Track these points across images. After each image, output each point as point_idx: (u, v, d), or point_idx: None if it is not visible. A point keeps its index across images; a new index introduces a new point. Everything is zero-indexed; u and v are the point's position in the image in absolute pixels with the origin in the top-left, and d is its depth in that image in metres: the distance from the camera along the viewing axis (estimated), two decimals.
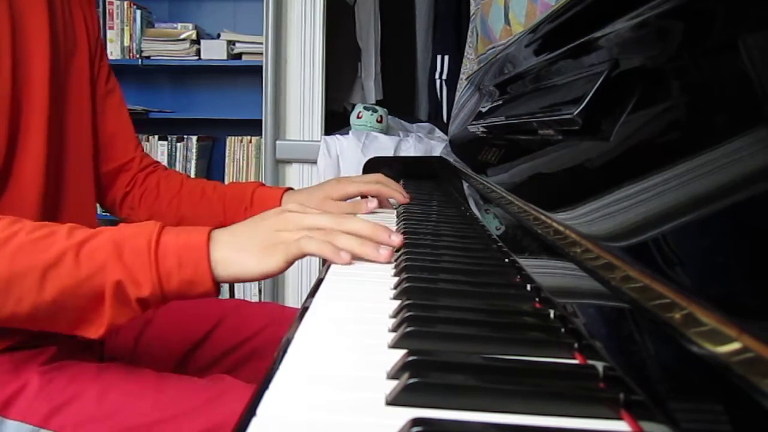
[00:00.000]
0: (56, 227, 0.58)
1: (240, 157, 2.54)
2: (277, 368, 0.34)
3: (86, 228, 0.58)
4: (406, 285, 0.48)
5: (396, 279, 0.52)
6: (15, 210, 0.69)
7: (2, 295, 0.55)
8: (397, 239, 0.61)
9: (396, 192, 0.94)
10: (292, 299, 2.19)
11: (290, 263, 0.59)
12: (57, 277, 0.55)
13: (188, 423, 0.60)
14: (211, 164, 2.72)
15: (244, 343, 0.85)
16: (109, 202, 0.98)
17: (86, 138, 0.86)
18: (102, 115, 0.92)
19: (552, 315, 0.43)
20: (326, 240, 0.58)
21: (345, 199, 0.95)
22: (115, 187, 0.97)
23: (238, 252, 0.58)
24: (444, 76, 2.37)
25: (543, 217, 0.50)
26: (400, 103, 2.54)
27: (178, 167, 2.53)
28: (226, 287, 2.48)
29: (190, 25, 2.48)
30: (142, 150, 1.00)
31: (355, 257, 0.59)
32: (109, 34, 2.49)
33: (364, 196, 0.94)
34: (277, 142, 2.03)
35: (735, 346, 0.23)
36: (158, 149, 2.55)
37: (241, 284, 2.46)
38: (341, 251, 0.58)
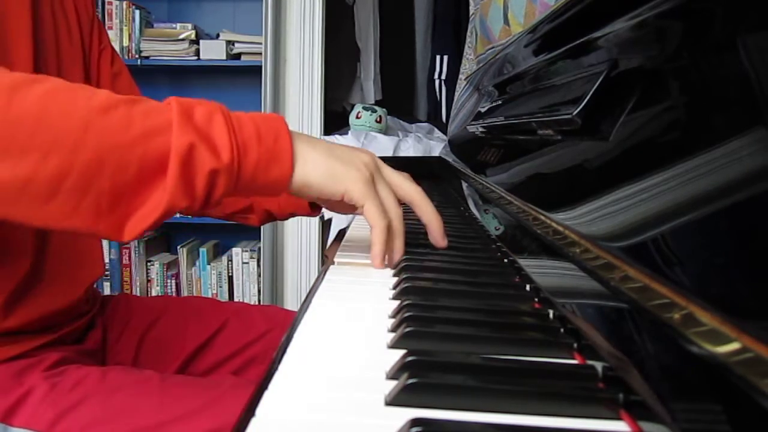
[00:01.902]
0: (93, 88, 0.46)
1: None
2: (276, 369, 0.34)
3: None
4: (406, 285, 0.48)
5: (395, 279, 0.52)
6: None
7: (22, 144, 0.40)
8: (445, 242, 0.60)
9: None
10: (291, 300, 2.19)
11: (360, 209, 0.52)
12: (103, 128, 0.41)
13: (192, 424, 0.60)
14: None
15: (246, 347, 0.85)
16: None
17: None
18: None
19: (551, 315, 0.43)
20: (382, 245, 0.54)
21: None
22: None
23: (328, 156, 0.50)
24: (443, 77, 2.38)
25: (542, 217, 0.50)
26: (400, 103, 2.54)
27: None
28: (225, 288, 2.48)
29: (189, 25, 2.48)
30: None
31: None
32: (108, 34, 2.49)
33: None
34: None
35: (734, 346, 0.23)
36: None
37: (240, 283, 2.46)
38: (382, 257, 0.54)
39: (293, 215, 0.88)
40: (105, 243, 2.20)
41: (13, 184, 0.41)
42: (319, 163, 0.50)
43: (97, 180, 0.42)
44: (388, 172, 0.58)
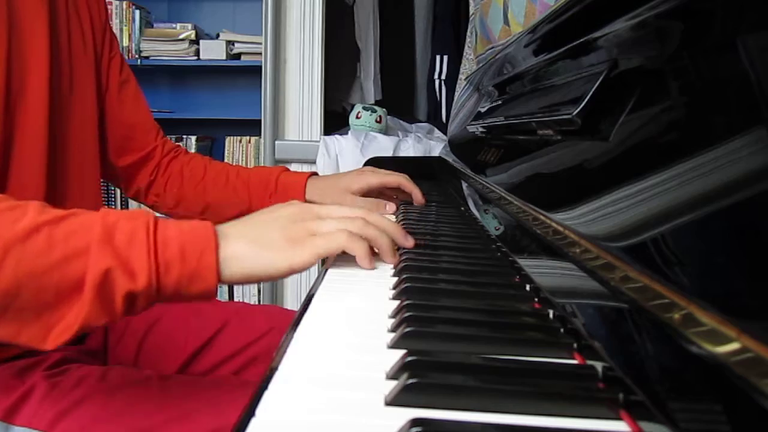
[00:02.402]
0: (23, 201, 0.47)
1: (239, 157, 2.54)
2: (276, 369, 0.34)
3: (60, 209, 0.48)
4: (406, 285, 0.48)
5: (395, 279, 0.52)
6: None
7: None
8: (411, 242, 0.60)
9: (416, 189, 0.94)
10: (291, 300, 2.19)
11: (320, 258, 0.52)
12: (22, 258, 0.43)
13: (193, 424, 0.60)
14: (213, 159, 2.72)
15: (247, 347, 0.85)
16: (134, 191, 0.98)
17: (93, 133, 0.85)
18: (120, 106, 0.91)
19: (551, 315, 0.43)
20: (362, 240, 0.54)
21: (366, 192, 0.94)
22: (140, 176, 0.96)
23: (257, 246, 0.50)
24: (443, 77, 2.38)
25: (542, 217, 0.50)
26: (399, 103, 2.54)
27: None
28: (225, 288, 2.48)
29: (189, 25, 2.48)
30: (163, 135, 0.99)
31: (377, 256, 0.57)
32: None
33: (379, 194, 0.95)
34: (276, 142, 2.03)
35: (734, 346, 0.23)
36: None
37: (241, 284, 2.46)
38: (369, 258, 0.55)
39: None
40: None
41: None
42: (254, 260, 0.50)
43: (15, 301, 0.44)
44: (324, 210, 0.57)
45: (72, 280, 0.44)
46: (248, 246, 0.50)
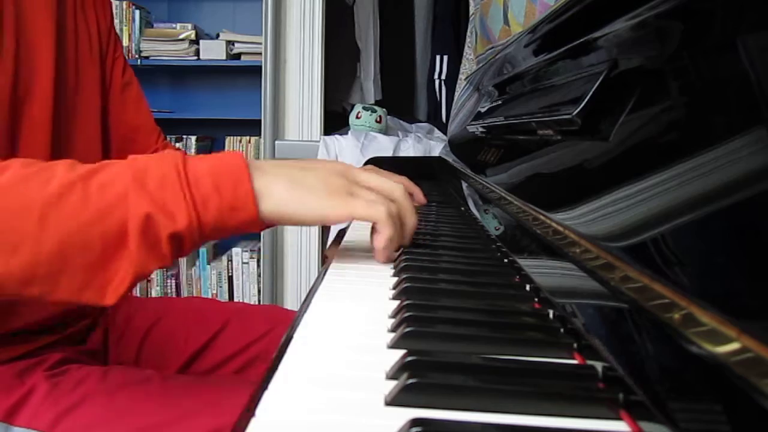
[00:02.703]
0: (50, 162, 0.47)
1: None
2: (276, 369, 0.34)
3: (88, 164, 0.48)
4: (405, 285, 0.48)
5: (395, 279, 0.52)
6: None
7: None
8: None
9: (418, 189, 0.94)
10: (291, 300, 2.19)
11: (354, 219, 0.52)
12: (60, 219, 0.43)
13: (194, 424, 0.60)
14: None
15: (247, 347, 0.85)
16: None
17: (96, 134, 0.85)
18: (122, 108, 0.91)
19: (551, 315, 0.43)
20: (396, 225, 0.53)
21: None
22: None
23: (297, 187, 0.49)
24: (443, 77, 2.38)
25: (542, 217, 0.50)
26: (399, 103, 2.54)
27: None
28: (225, 288, 2.48)
29: (189, 25, 2.48)
30: (164, 138, 0.99)
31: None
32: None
33: None
34: (276, 142, 2.03)
35: (734, 346, 0.23)
36: None
37: (240, 283, 2.46)
38: (392, 248, 0.54)
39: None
40: None
41: None
42: (288, 198, 0.49)
43: (66, 264, 0.44)
44: (364, 176, 0.56)
45: (114, 231, 0.44)
46: (284, 184, 0.49)
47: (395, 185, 0.57)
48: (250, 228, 0.49)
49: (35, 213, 0.43)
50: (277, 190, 0.49)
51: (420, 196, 0.93)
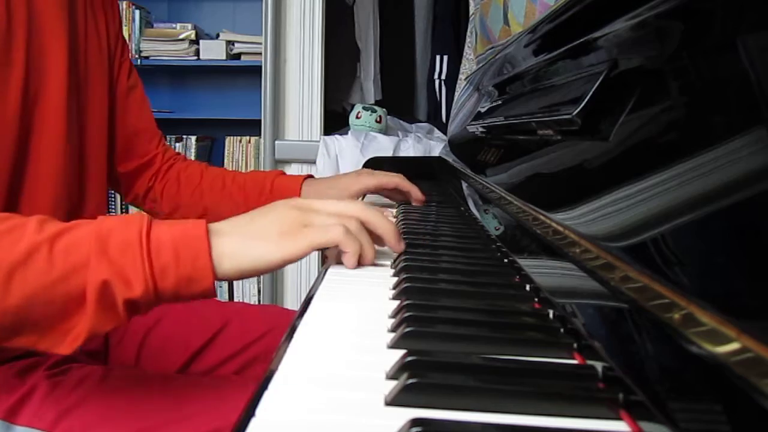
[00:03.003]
0: (23, 219, 0.49)
1: (239, 157, 2.54)
2: (276, 369, 0.34)
3: (58, 221, 0.50)
4: (405, 285, 0.48)
5: (395, 279, 0.52)
6: (33, 208, 0.69)
7: None
8: (402, 246, 0.59)
9: (415, 188, 0.94)
10: (291, 300, 2.19)
11: (314, 249, 0.53)
12: (25, 279, 0.46)
13: (194, 423, 0.60)
14: (210, 164, 2.72)
15: (248, 347, 0.85)
16: (132, 196, 0.98)
17: (103, 137, 0.85)
18: (125, 111, 0.91)
19: (551, 315, 0.43)
20: (356, 240, 0.54)
21: (364, 194, 0.95)
22: (139, 183, 0.96)
23: (250, 240, 0.51)
24: (443, 77, 2.37)
25: (542, 217, 0.50)
26: (399, 103, 2.54)
27: None
28: (225, 288, 2.48)
29: (189, 25, 2.48)
30: (164, 143, 0.99)
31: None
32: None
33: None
34: (276, 142, 2.03)
35: (734, 346, 0.23)
36: None
37: (241, 284, 2.46)
38: (355, 259, 0.55)
39: None
40: None
41: None
42: (245, 254, 0.51)
43: (28, 317, 0.47)
44: (318, 204, 0.57)
45: (74, 293, 0.47)
46: (240, 240, 0.51)
47: (350, 204, 0.58)
48: (204, 297, 0.51)
49: (3, 270, 0.46)
50: (232, 250, 0.50)
51: (417, 194, 0.93)
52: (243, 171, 2.55)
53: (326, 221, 0.54)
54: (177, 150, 2.56)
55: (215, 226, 0.51)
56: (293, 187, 0.93)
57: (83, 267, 0.47)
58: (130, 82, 0.92)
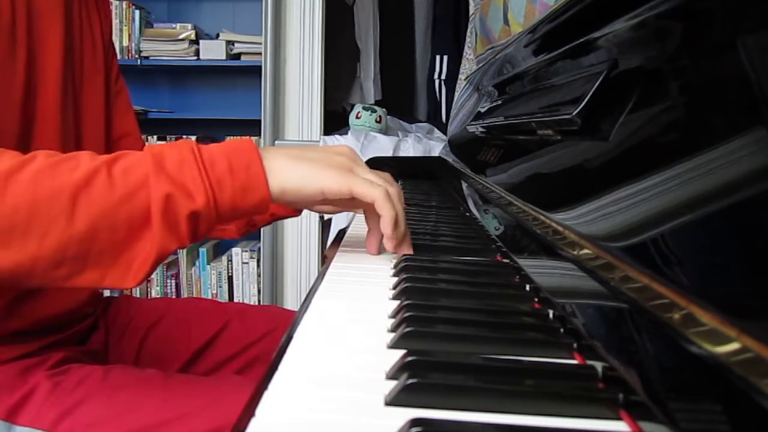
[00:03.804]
0: (76, 153, 0.50)
1: None
2: (276, 369, 0.34)
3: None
4: (405, 285, 0.48)
5: (395, 279, 0.52)
6: None
7: (22, 230, 0.45)
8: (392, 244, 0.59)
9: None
10: (291, 300, 2.19)
11: (351, 194, 0.54)
12: (90, 200, 0.46)
13: (195, 423, 0.60)
14: None
15: (248, 347, 0.85)
16: None
17: (100, 138, 0.85)
18: (110, 116, 0.90)
19: (551, 315, 0.43)
20: (393, 207, 0.55)
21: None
22: None
23: (297, 161, 0.52)
24: (443, 77, 2.38)
25: (542, 217, 0.50)
26: (399, 103, 2.54)
27: None
28: (225, 288, 2.48)
29: (189, 25, 2.48)
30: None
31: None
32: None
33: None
34: (276, 142, 2.03)
35: (734, 346, 0.23)
36: None
37: (240, 283, 2.46)
38: (393, 226, 0.55)
39: (275, 218, 0.89)
40: None
41: (22, 264, 0.46)
42: (290, 171, 0.52)
43: (93, 244, 0.47)
44: (365, 166, 0.59)
45: (139, 211, 0.47)
46: (288, 160, 0.53)
47: (389, 176, 0.60)
48: (259, 211, 0.52)
49: (65, 198, 0.46)
50: (279, 165, 0.52)
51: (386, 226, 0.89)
52: None
53: (371, 177, 0.56)
54: None
55: (265, 147, 0.53)
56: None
57: (144, 185, 0.47)
58: (117, 86, 0.91)
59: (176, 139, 2.55)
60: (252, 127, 2.30)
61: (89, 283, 0.49)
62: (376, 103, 2.36)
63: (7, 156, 0.48)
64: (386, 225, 0.56)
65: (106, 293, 1.01)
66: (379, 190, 0.55)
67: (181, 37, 2.46)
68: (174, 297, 2.48)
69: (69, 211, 0.46)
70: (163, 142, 0.52)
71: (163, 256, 0.49)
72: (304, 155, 0.54)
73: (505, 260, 0.59)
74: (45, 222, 0.46)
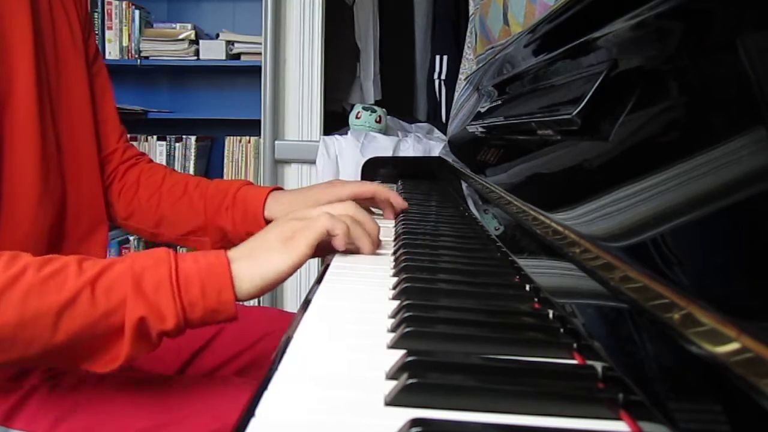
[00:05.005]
0: (64, 261, 0.54)
1: (239, 157, 2.54)
2: (276, 369, 0.34)
3: (96, 259, 0.55)
4: (405, 285, 0.48)
5: (395, 279, 0.52)
6: (12, 212, 0.68)
7: (10, 342, 0.51)
8: (373, 249, 0.64)
9: (394, 194, 0.90)
10: (291, 301, 2.19)
11: (314, 246, 0.58)
12: (72, 318, 0.51)
13: (193, 425, 0.60)
14: (210, 164, 2.72)
15: (247, 348, 0.85)
16: None
17: (86, 127, 0.83)
18: (94, 98, 0.87)
19: (551, 315, 0.43)
20: (342, 223, 0.60)
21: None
22: None
23: (258, 256, 0.56)
24: (443, 77, 2.37)
25: (542, 217, 0.50)
26: (399, 103, 2.54)
27: (177, 167, 2.52)
28: None
29: (189, 25, 2.48)
30: (126, 140, 0.94)
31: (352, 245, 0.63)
32: (108, 34, 2.49)
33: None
34: (276, 142, 2.03)
35: (734, 346, 0.23)
36: (157, 149, 2.55)
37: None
38: (345, 240, 0.60)
39: (249, 234, 0.88)
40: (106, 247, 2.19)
41: (6, 363, 0.54)
42: (252, 272, 0.56)
43: (72, 350, 0.53)
44: (313, 211, 0.63)
45: (114, 328, 0.52)
46: (251, 260, 0.56)
47: (338, 204, 0.66)
48: (228, 321, 0.57)
49: (51, 317, 0.51)
50: (245, 272, 0.55)
51: (397, 200, 0.88)
52: (242, 171, 2.55)
53: (313, 214, 0.60)
54: (177, 151, 2.58)
55: (231, 254, 0.57)
56: (257, 199, 0.87)
57: (121, 305, 0.52)
58: (94, 68, 0.88)
59: (176, 139, 2.55)
60: (252, 127, 2.30)
61: (70, 368, 0.58)
62: (376, 103, 2.36)
63: None
64: (337, 240, 0.60)
65: None
66: (324, 218, 0.59)
67: (181, 37, 2.45)
68: None
69: (53, 328, 0.51)
70: (145, 250, 0.56)
71: (132, 360, 0.54)
72: (262, 246, 0.58)
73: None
74: (30, 338, 0.51)
